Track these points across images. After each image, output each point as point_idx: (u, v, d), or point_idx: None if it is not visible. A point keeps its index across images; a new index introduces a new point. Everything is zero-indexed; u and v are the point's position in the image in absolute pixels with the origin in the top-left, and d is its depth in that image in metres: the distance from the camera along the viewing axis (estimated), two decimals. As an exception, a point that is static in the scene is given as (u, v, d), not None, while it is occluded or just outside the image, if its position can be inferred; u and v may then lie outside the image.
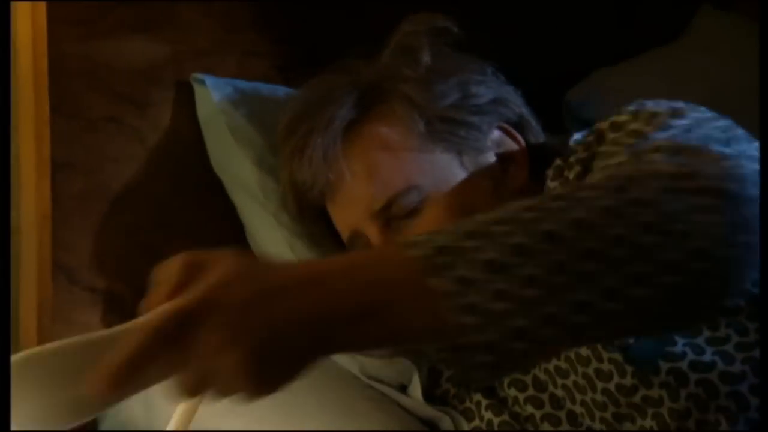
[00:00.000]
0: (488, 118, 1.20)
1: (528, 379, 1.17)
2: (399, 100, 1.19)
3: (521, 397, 1.17)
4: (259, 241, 1.34)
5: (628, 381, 1.06)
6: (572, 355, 1.11)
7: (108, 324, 1.33)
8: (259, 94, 1.37)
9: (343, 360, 1.29)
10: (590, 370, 1.10)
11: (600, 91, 1.67)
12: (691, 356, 1.03)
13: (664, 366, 1.04)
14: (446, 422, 1.22)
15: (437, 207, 1.15)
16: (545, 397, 1.16)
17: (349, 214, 1.20)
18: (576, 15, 1.74)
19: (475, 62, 1.24)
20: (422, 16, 1.22)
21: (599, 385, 1.09)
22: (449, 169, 1.18)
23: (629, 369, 1.06)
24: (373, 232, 1.18)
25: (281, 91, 1.38)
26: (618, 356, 1.06)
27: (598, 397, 1.09)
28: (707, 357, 1.03)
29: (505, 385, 1.18)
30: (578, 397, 1.12)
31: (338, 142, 1.18)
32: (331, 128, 1.18)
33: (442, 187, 1.16)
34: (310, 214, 1.25)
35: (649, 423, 1.05)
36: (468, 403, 1.21)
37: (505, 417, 1.17)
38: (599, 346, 1.07)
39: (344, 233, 1.22)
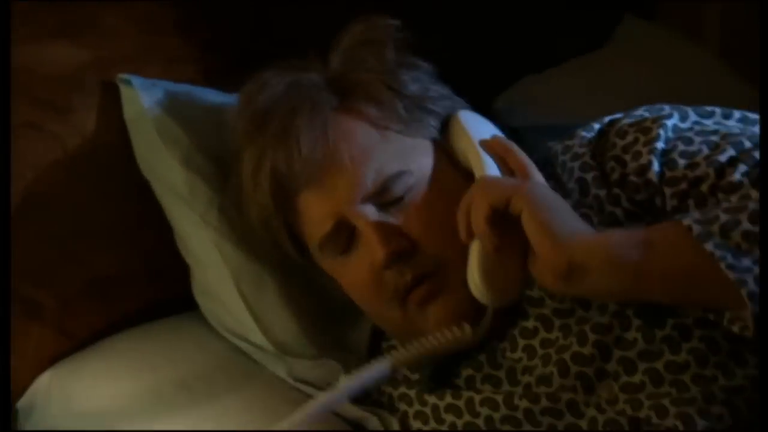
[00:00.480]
0: (448, 111, 1.24)
1: (502, 373, 1.17)
2: (377, 85, 1.20)
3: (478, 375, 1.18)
4: (187, 242, 1.33)
5: (630, 335, 1.10)
6: (572, 322, 1.13)
7: (29, 332, 1.32)
8: (186, 95, 1.36)
9: (271, 363, 1.29)
10: (587, 327, 1.12)
11: (526, 98, 1.69)
12: (697, 313, 1.08)
13: (670, 321, 1.09)
14: (373, 422, 1.23)
15: (424, 193, 1.17)
16: (502, 373, 1.18)
17: (338, 199, 1.17)
18: (505, 23, 1.76)
19: (421, 60, 1.27)
20: (374, 17, 1.24)
21: (592, 337, 1.11)
22: (429, 156, 1.20)
23: (635, 323, 1.10)
24: (362, 220, 1.16)
25: (209, 93, 1.38)
26: (629, 310, 1.10)
27: (587, 350, 1.11)
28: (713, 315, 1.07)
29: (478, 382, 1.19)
30: (554, 356, 1.13)
31: (328, 123, 1.18)
32: (317, 110, 1.18)
33: (426, 173, 1.19)
34: (285, 205, 1.21)
35: (639, 377, 1.08)
36: (419, 407, 1.21)
37: (468, 417, 1.17)
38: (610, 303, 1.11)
39: (326, 223, 1.18)
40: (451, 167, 1.21)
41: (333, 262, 1.21)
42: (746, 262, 0.98)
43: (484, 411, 1.15)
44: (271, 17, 1.50)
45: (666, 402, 1.06)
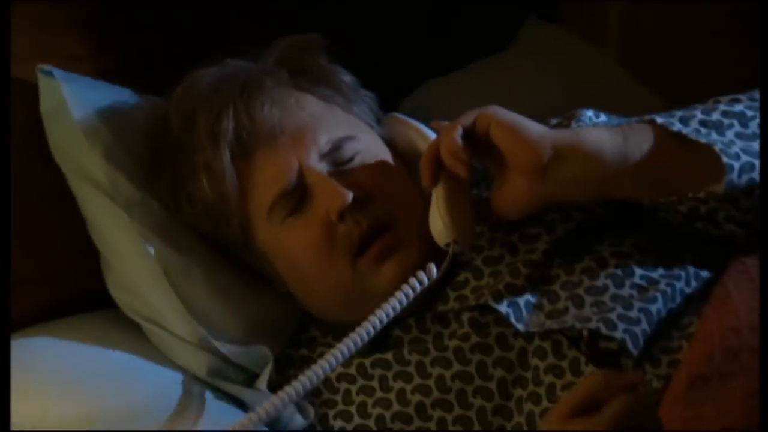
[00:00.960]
0: (379, 112, 1.37)
1: (429, 338, 1.21)
2: (321, 70, 1.32)
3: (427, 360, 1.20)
4: (108, 235, 1.31)
5: (553, 271, 1.20)
6: (501, 266, 1.21)
7: None
8: (105, 91, 1.36)
9: (189, 356, 1.28)
10: (519, 263, 1.20)
11: (429, 102, 1.69)
12: (613, 248, 1.20)
13: (587, 256, 1.20)
14: (289, 410, 1.23)
15: (372, 157, 1.26)
16: (429, 338, 1.21)
17: (295, 154, 1.23)
18: (409, 26, 1.76)
19: None
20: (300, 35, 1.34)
21: (524, 271, 1.20)
22: (372, 136, 1.31)
23: (557, 261, 1.21)
24: (317, 174, 1.23)
25: (123, 90, 1.38)
26: (553, 253, 1.21)
27: (519, 281, 1.19)
28: (626, 248, 1.20)
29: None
30: (487, 291, 1.19)
31: (288, 83, 1.28)
32: (276, 79, 1.27)
33: (371, 145, 1.28)
34: (239, 165, 1.25)
35: (562, 304, 1.17)
36: (342, 369, 1.21)
37: (398, 367, 1.20)
38: (539, 242, 1.21)
39: (282, 178, 1.23)
40: (394, 153, 1.30)
41: (279, 228, 1.25)
42: (710, 137, 1.11)
43: (414, 357, 1.18)
44: (169, 17, 1.50)
45: (588, 313, 1.14)
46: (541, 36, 1.81)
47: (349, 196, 1.20)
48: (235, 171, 1.24)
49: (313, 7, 1.66)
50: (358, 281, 1.22)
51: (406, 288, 1.15)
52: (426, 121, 1.63)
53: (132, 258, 1.29)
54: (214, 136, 1.24)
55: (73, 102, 1.31)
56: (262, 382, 1.26)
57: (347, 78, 1.34)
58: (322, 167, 1.23)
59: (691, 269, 1.19)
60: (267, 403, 1.12)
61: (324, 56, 1.34)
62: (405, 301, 1.15)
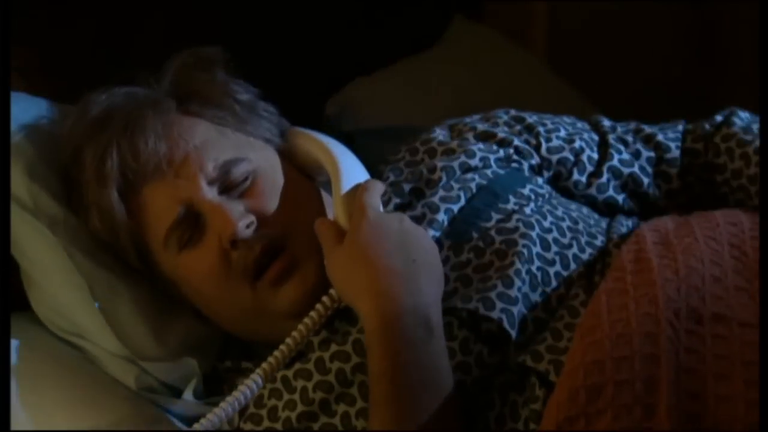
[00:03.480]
0: (281, 125, 1.33)
1: (338, 337, 1.19)
2: (212, 90, 1.29)
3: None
4: (31, 252, 1.28)
5: (464, 256, 1.20)
6: None
7: None
8: (26, 103, 1.33)
9: (118, 371, 1.27)
10: None
11: (355, 101, 1.69)
12: (499, 225, 1.22)
13: (476, 234, 1.21)
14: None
15: (266, 177, 1.24)
16: (338, 337, 1.20)
17: (183, 186, 1.22)
18: (335, 24, 1.75)
19: (252, 76, 1.33)
20: (198, 47, 1.31)
21: None
22: (268, 152, 1.29)
23: (446, 242, 1.21)
24: (208, 203, 1.21)
25: (43, 102, 1.35)
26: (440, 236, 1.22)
27: None
28: (512, 224, 1.21)
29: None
30: None
31: (170, 120, 1.24)
32: (159, 110, 1.24)
33: (266, 164, 1.26)
34: (129, 202, 1.23)
35: (452, 286, 1.18)
36: (271, 384, 1.20)
37: (319, 377, 1.18)
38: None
39: (172, 210, 1.22)
40: (292, 166, 1.29)
41: (176, 258, 1.23)
42: None
43: (335, 365, 1.17)
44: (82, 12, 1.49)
45: (472, 293, 1.16)
46: (467, 35, 1.82)
47: (241, 222, 1.19)
48: (126, 206, 1.23)
49: (237, 6, 1.64)
50: (260, 304, 1.21)
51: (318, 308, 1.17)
52: (352, 121, 1.63)
53: (56, 275, 1.27)
54: (100, 175, 1.22)
55: None
56: (189, 393, 1.25)
57: (243, 96, 1.31)
58: (213, 193, 1.22)
59: (570, 253, 1.21)
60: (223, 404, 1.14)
61: (220, 72, 1.31)
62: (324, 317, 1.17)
